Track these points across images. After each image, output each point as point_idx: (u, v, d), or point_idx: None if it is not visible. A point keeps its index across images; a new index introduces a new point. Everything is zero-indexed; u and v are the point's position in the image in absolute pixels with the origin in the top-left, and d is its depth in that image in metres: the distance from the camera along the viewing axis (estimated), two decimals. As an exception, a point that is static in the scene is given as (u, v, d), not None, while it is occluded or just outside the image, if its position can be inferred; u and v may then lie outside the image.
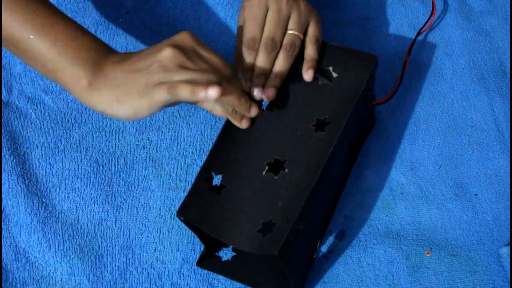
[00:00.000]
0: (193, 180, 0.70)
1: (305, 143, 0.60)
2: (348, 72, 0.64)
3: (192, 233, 0.67)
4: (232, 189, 0.58)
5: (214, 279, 0.65)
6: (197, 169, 0.71)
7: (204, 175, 0.59)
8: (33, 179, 0.70)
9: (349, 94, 0.62)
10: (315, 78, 0.63)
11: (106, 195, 0.70)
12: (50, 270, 0.65)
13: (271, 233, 0.55)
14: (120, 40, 0.80)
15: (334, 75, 0.64)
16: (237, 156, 0.60)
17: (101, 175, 0.71)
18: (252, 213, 0.57)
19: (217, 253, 0.66)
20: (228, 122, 0.62)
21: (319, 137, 0.60)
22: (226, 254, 0.66)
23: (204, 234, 0.63)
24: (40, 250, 0.66)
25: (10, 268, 0.65)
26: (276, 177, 0.58)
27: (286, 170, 0.59)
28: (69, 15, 0.82)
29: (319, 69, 0.64)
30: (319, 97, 0.63)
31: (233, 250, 0.66)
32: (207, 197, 0.58)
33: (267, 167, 0.59)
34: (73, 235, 0.67)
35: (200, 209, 0.57)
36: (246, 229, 0.56)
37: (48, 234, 0.67)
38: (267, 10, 0.63)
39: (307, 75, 0.63)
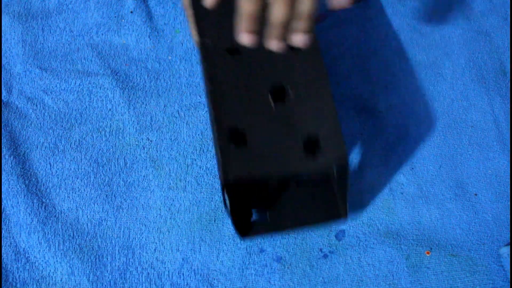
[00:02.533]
0: (193, 180, 0.70)
1: (290, 63, 0.61)
2: None
3: (192, 232, 0.67)
4: (254, 132, 0.58)
5: (214, 279, 0.65)
6: (197, 169, 0.71)
7: (224, 136, 0.58)
8: (33, 179, 0.70)
9: None
10: None
11: (106, 195, 0.70)
12: (50, 270, 0.65)
13: (319, 148, 0.56)
14: (121, 41, 0.80)
15: None
16: (236, 101, 0.60)
17: (101, 175, 0.71)
18: (286, 143, 0.57)
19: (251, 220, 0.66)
20: (210, 85, 0.61)
21: (300, 53, 0.61)
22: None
23: (244, 200, 0.65)
24: (40, 250, 0.66)
25: (10, 268, 0.65)
26: (286, 102, 0.59)
27: (291, 91, 0.59)
28: (71, 15, 0.82)
29: None
30: None
31: (265, 208, 0.66)
32: (238, 152, 0.57)
33: (271, 98, 0.59)
34: (73, 235, 0.67)
35: (240, 165, 0.57)
36: (293, 158, 0.56)
37: (48, 234, 0.67)
38: None
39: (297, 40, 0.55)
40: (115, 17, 0.82)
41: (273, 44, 0.54)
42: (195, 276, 0.65)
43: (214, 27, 0.63)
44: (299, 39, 0.53)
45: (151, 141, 0.73)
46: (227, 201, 0.62)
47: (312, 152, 0.56)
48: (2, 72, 0.77)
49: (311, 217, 0.65)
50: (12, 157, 0.71)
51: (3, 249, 0.66)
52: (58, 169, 0.71)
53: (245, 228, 0.66)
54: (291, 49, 0.62)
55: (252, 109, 0.59)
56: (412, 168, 0.71)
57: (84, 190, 0.70)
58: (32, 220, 0.68)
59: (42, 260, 0.66)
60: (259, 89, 0.60)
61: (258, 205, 0.67)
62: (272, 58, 0.62)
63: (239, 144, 0.58)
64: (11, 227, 0.67)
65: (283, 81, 0.60)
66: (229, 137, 0.58)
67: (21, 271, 0.65)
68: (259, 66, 0.61)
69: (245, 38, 0.53)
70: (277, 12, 0.51)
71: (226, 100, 0.60)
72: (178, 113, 0.75)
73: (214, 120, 0.59)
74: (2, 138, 0.72)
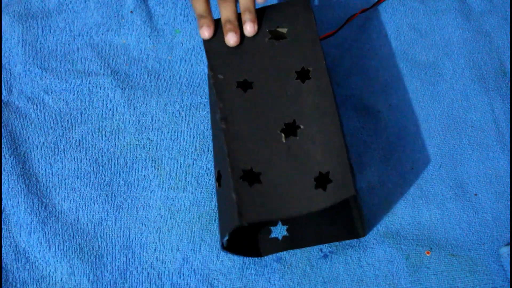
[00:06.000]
0: (193, 180, 0.70)
1: (300, 96, 0.62)
2: (293, 21, 0.66)
3: (192, 232, 0.67)
4: (268, 171, 0.59)
5: (214, 279, 0.65)
6: (197, 169, 0.71)
7: (238, 175, 0.59)
8: (33, 179, 0.70)
9: (308, 36, 0.65)
10: (271, 41, 0.65)
11: (106, 195, 0.70)
12: (50, 270, 0.65)
13: (331, 182, 0.57)
14: (121, 40, 0.80)
15: (284, 30, 0.65)
16: (250, 140, 0.61)
17: (101, 175, 0.71)
18: (299, 179, 0.58)
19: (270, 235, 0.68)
20: (223, 123, 0.62)
21: (310, 85, 0.62)
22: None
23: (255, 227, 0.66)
24: (40, 250, 0.66)
25: (10, 268, 0.65)
26: (297, 137, 0.60)
27: (302, 126, 0.60)
28: (71, 15, 0.82)
29: (271, 32, 0.66)
30: (285, 54, 0.64)
31: (283, 224, 0.67)
32: (253, 192, 0.58)
33: (283, 135, 0.60)
34: (73, 235, 0.67)
35: (255, 205, 0.57)
36: (304, 194, 0.57)
37: (48, 234, 0.67)
38: None
39: (247, 29, 0.64)
40: (115, 17, 0.82)
41: (229, 37, 0.64)
42: (195, 276, 0.65)
43: (225, 61, 0.64)
44: (247, 29, 0.64)
45: (151, 140, 0.73)
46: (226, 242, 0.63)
47: (323, 187, 0.57)
48: (2, 72, 0.77)
49: (329, 235, 0.66)
50: (12, 157, 0.71)
51: (3, 249, 0.66)
52: (58, 169, 0.71)
53: (263, 246, 0.67)
54: (302, 81, 0.63)
55: (265, 147, 0.60)
56: (412, 168, 0.71)
57: (84, 190, 0.70)
58: (32, 220, 0.68)
59: (42, 260, 0.66)
60: (272, 126, 0.61)
61: (274, 223, 0.68)
62: (283, 91, 0.62)
63: (253, 183, 0.59)
64: (11, 227, 0.67)
65: (294, 116, 0.61)
66: (243, 177, 0.59)
67: (21, 271, 0.65)
68: (270, 100, 0.62)
69: (205, 32, 0.64)
70: (225, 12, 0.64)
71: (239, 138, 0.61)
72: (179, 112, 0.75)
73: (228, 160, 0.59)
74: (2, 138, 0.72)
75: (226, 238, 0.60)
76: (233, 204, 0.57)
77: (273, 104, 0.62)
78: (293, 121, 0.61)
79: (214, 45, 0.65)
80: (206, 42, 0.66)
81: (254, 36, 0.65)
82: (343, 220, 0.67)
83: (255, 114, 0.62)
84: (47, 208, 0.69)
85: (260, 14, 0.66)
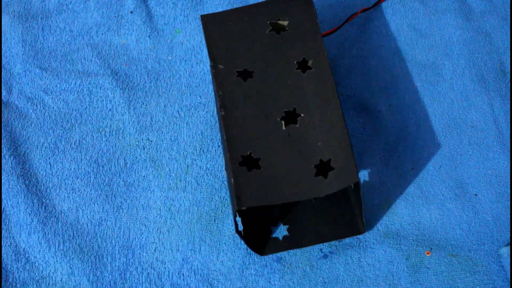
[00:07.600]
0: (193, 180, 0.70)
1: (301, 86, 0.62)
2: (294, 13, 0.66)
3: (192, 233, 0.67)
4: (267, 157, 0.59)
5: (214, 279, 0.65)
6: (197, 169, 0.71)
7: (236, 160, 0.59)
8: (33, 179, 0.70)
9: (309, 28, 0.65)
10: (272, 33, 0.66)
11: (106, 195, 0.70)
12: (50, 270, 0.65)
13: (333, 169, 0.57)
14: (121, 41, 0.80)
15: (285, 23, 0.66)
16: (250, 127, 0.61)
17: (101, 175, 0.71)
18: (299, 165, 0.58)
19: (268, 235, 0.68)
20: (223, 111, 0.62)
21: (311, 75, 0.62)
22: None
23: (258, 220, 0.66)
24: (40, 250, 0.66)
25: (10, 268, 0.65)
26: (297, 125, 0.60)
27: (302, 114, 0.61)
28: (71, 15, 0.82)
29: (272, 24, 0.66)
30: (286, 46, 0.65)
31: (283, 223, 0.67)
32: (251, 177, 0.58)
33: (283, 122, 0.61)
34: (73, 235, 0.67)
35: (253, 190, 0.58)
36: (304, 181, 0.57)
37: (48, 234, 0.67)
38: None
39: None
40: (115, 17, 0.83)
41: None
42: (195, 276, 0.65)
43: (226, 52, 0.64)
44: None
45: (151, 141, 0.73)
46: (239, 227, 0.63)
47: (324, 174, 0.57)
48: (2, 72, 0.77)
49: (330, 233, 0.66)
50: (12, 157, 0.71)
51: (3, 249, 0.66)
52: (58, 169, 0.71)
53: (264, 245, 0.67)
54: (303, 71, 0.63)
55: (264, 133, 0.60)
56: (412, 168, 0.71)
57: (84, 190, 0.70)
58: (32, 220, 0.68)
59: (42, 260, 0.66)
60: (271, 113, 0.61)
61: (275, 223, 0.68)
62: (283, 80, 0.62)
63: (252, 168, 0.59)
64: (11, 227, 0.68)
65: (295, 104, 0.61)
66: (242, 162, 0.59)
67: (21, 271, 0.65)
68: (271, 89, 0.63)
69: None
70: None
71: (239, 125, 0.61)
72: (178, 113, 0.75)
73: (227, 145, 0.60)
74: (2, 138, 0.72)
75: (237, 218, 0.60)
76: (233, 188, 0.58)
77: (273, 92, 0.62)
78: (293, 109, 0.61)
79: (214, 36, 0.66)
80: (206, 33, 0.66)
81: (255, 27, 0.65)
82: (343, 216, 0.67)
83: (254, 102, 0.62)
84: (47, 208, 0.69)
85: (262, 7, 0.66)
